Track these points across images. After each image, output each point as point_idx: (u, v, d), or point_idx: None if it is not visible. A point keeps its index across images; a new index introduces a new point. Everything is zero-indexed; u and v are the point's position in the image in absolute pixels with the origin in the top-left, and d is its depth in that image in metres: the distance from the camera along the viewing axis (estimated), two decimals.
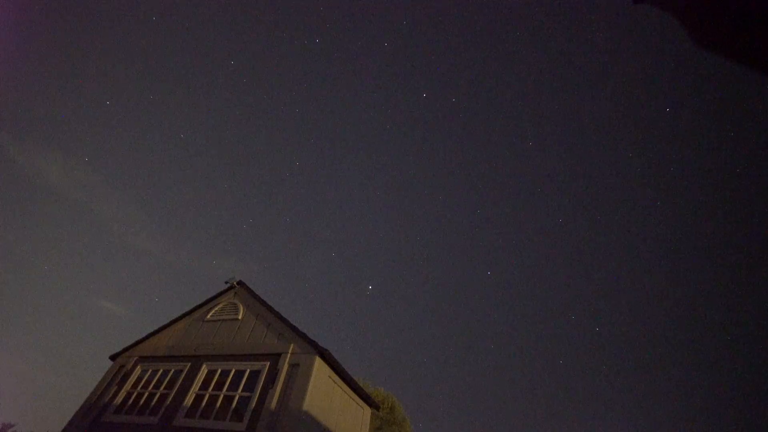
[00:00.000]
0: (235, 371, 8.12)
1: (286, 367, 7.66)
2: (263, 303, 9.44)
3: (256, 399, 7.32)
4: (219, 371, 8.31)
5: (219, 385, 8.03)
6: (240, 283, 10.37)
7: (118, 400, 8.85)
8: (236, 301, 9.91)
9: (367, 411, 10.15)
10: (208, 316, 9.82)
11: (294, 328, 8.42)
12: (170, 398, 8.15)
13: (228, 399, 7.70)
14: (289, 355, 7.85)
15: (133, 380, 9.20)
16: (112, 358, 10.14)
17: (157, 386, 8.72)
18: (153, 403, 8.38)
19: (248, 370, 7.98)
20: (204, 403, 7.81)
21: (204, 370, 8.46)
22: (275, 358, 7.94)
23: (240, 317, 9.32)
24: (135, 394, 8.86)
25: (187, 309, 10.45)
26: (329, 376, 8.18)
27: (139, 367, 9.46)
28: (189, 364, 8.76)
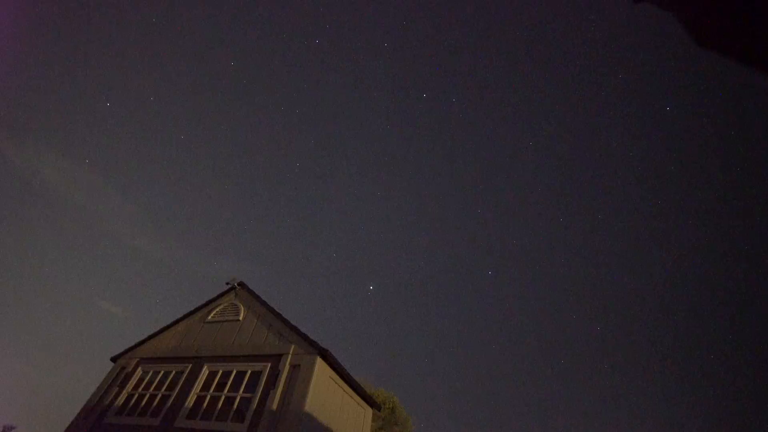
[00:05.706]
0: (237, 372, 8.11)
1: (287, 367, 7.66)
2: (264, 304, 9.44)
3: (257, 400, 7.32)
4: (220, 372, 8.31)
5: (220, 387, 8.03)
6: (241, 284, 10.37)
7: (120, 401, 8.85)
8: (237, 302, 9.91)
9: (369, 411, 10.15)
10: (209, 318, 9.82)
11: (295, 329, 8.42)
12: (171, 400, 8.15)
13: (229, 400, 7.70)
14: (290, 355, 7.85)
15: (135, 382, 9.20)
16: (114, 359, 10.14)
17: (158, 388, 8.72)
18: (154, 404, 8.38)
19: (249, 371, 7.98)
20: (205, 405, 7.81)
21: (205, 372, 8.46)
22: (276, 358, 7.94)
23: (241, 318, 9.32)
24: (136, 395, 8.86)
25: (187, 310, 10.46)
26: (330, 377, 8.18)
27: (140, 368, 9.46)
28: (190, 365, 8.76)
